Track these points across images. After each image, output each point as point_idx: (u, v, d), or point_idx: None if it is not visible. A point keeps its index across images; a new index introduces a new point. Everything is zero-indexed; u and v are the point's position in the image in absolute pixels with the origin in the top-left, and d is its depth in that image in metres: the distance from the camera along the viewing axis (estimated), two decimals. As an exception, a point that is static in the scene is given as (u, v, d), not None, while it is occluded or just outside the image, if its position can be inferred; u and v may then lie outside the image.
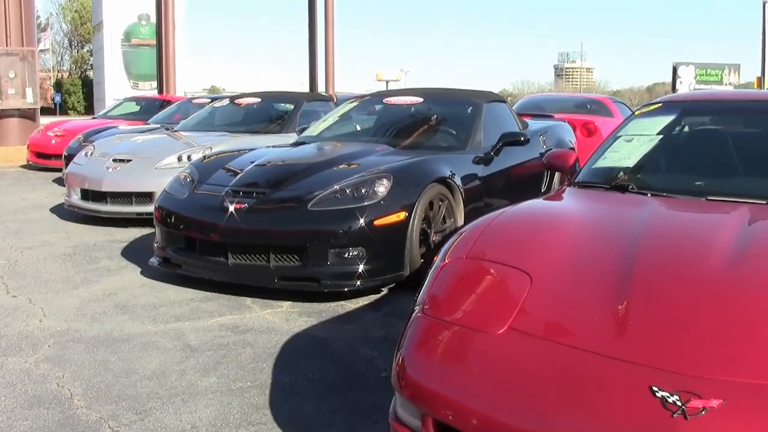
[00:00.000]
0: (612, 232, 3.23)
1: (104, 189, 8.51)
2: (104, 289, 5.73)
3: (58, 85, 47.90)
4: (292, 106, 10.39)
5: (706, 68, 51.81)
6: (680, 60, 51.49)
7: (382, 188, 5.48)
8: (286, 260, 5.38)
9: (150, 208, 7.88)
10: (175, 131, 10.32)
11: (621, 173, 4.07)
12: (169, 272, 5.92)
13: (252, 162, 6.32)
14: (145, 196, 8.32)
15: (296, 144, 7.37)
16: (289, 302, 5.35)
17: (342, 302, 5.36)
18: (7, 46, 18.97)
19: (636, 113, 4.73)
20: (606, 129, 10.72)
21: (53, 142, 14.67)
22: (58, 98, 42.95)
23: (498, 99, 7.91)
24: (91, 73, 49.33)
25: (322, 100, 11.38)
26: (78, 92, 46.66)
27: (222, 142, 8.93)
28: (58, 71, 60.39)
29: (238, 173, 6.11)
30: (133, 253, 7.01)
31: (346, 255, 5.30)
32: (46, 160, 14.61)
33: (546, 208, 3.85)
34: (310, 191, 5.57)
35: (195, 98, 14.69)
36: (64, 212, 9.16)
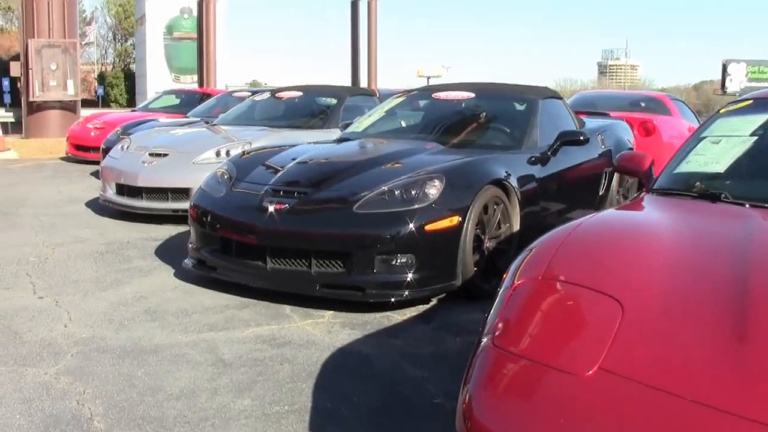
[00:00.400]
0: (712, 250, 2.77)
1: (139, 184, 8.19)
2: (135, 292, 5.38)
3: (101, 78, 47.98)
4: (334, 101, 10.00)
5: (758, 65, 49.70)
6: (730, 57, 49.86)
7: (434, 190, 5.06)
8: (328, 266, 4.99)
9: (186, 205, 7.51)
10: (214, 125, 9.97)
11: (709, 180, 3.60)
12: (204, 275, 5.55)
13: (293, 159, 5.94)
14: (182, 192, 7.97)
15: (340, 140, 6.98)
16: (332, 312, 4.96)
17: (388, 313, 4.96)
18: (49, 38, 18.86)
19: (721, 111, 4.23)
20: (665, 128, 10.22)
21: (92, 134, 14.43)
22: (100, 91, 43.00)
23: (554, 95, 7.45)
24: (133, 66, 49.39)
25: (365, 94, 10.97)
26: (120, 85, 46.70)
27: (262, 137, 8.57)
28: (102, 64, 60.64)
29: (279, 171, 5.72)
30: (167, 252, 6.66)
31: (394, 262, 4.90)
32: (85, 152, 14.37)
33: (629, 221, 3.40)
34: (355, 192, 5.17)
35: (235, 92, 14.35)
36: (99, 207, 8.87)
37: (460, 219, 5.05)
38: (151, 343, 4.31)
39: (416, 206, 4.96)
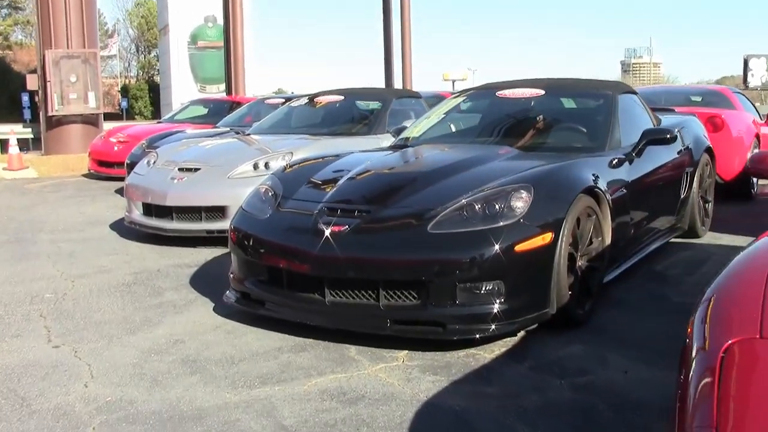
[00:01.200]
0: None
1: (169, 203, 7.41)
2: (169, 334, 4.61)
3: (125, 90, 47.60)
4: (379, 105, 9.20)
5: None
6: (751, 52, 50.01)
7: (521, 203, 4.25)
8: (400, 298, 4.19)
9: (223, 225, 6.80)
10: (247, 135, 9.20)
11: None
12: (249, 312, 4.77)
13: (347, 171, 5.16)
14: (217, 211, 7.21)
15: (396, 148, 6.18)
16: (405, 352, 4.17)
17: (472, 350, 4.17)
18: (68, 48, 18.21)
19: None
20: (733, 123, 9.34)
21: (116, 149, 13.74)
22: (124, 104, 42.53)
23: (629, 90, 6.61)
24: (157, 78, 48.96)
25: (412, 96, 10.12)
26: (144, 97, 46.31)
27: (303, 147, 7.78)
28: (126, 77, 60.42)
29: (332, 186, 4.94)
30: (204, 281, 5.89)
31: (479, 291, 4.10)
32: (108, 168, 13.67)
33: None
34: (427, 208, 4.37)
35: (267, 98, 13.60)
36: (125, 230, 8.10)
37: (553, 236, 4.24)
38: (193, 406, 3.51)
39: (502, 223, 4.15)
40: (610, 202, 4.92)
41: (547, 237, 4.21)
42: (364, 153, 5.98)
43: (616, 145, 5.61)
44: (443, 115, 6.60)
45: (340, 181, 4.98)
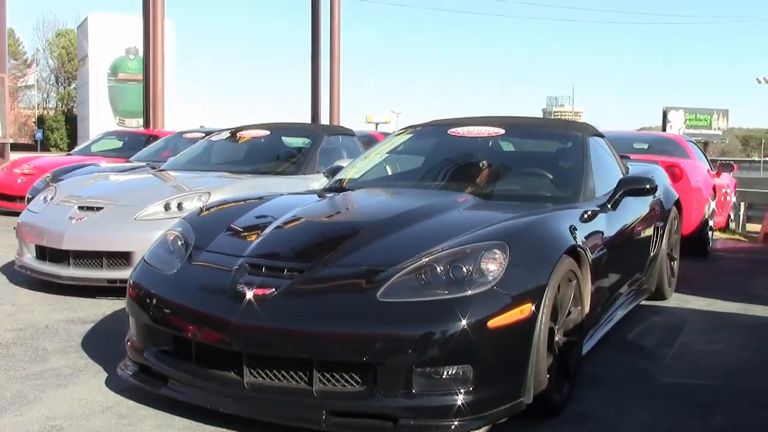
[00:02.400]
0: None
1: (65, 246, 6.39)
2: (44, 417, 3.62)
3: (41, 121, 45.88)
4: (309, 141, 8.31)
5: (695, 113, 53.77)
6: (670, 104, 52.32)
7: (494, 265, 3.41)
8: (339, 382, 3.30)
9: (127, 274, 5.74)
10: (162, 170, 8.22)
11: None
12: (149, 390, 3.82)
13: (272, 217, 4.28)
14: (121, 257, 6.22)
15: (330, 191, 5.30)
16: (345, 451, 3.27)
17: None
18: (-27, 73, 16.93)
19: None
20: (692, 173, 8.76)
21: (19, 181, 12.56)
22: (39, 134, 40.83)
23: (597, 133, 5.85)
24: (76, 110, 47.41)
25: (345, 134, 9.25)
26: (61, 128, 44.71)
27: (223, 186, 6.86)
28: (44, 108, 58.58)
29: (256, 235, 4.05)
30: (99, 343, 4.90)
31: (440, 377, 3.24)
32: (10, 202, 12.44)
33: None
34: (376, 268, 3.51)
35: (186, 132, 12.60)
36: (16, 274, 7.02)
37: (533, 308, 3.41)
38: None
39: (470, 292, 3.30)
40: (591, 262, 4.13)
41: (526, 309, 3.38)
42: (293, 196, 5.10)
43: (591, 196, 4.86)
44: (386, 155, 5.74)
45: (266, 230, 4.09)
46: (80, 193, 7.10)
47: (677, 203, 6.64)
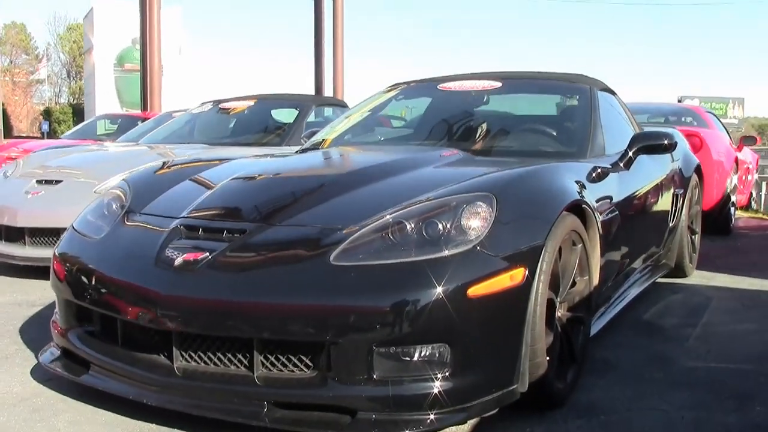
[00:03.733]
0: None
1: (20, 224, 5.78)
2: (-50, 409, 3.02)
3: (47, 113, 45.40)
4: (296, 112, 7.65)
5: (710, 101, 52.89)
6: (685, 93, 51.65)
7: (478, 221, 2.75)
8: (286, 367, 2.66)
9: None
10: (138, 144, 7.60)
11: None
12: (70, 379, 3.19)
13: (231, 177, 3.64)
14: (79, 234, 5.58)
15: (304, 151, 4.66)
16: (295, 452, 2.64)
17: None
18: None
19: None
20: (713, 144, 8.04)
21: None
22: (45, 126, 40.26)
23: (608, 88, 5.16)
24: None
25: (336, 105, 8.57)
26: (68, 120, 44.17)
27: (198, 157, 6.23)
28: (56, 103, 58.22)
29: (204, 195, 3.42)
30: (41, 328, 4.23)
31: (410, 359, 2.58)
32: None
33: None
34: (332, 226, 2.86)
35: (177, 112, 11.95)
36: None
37: (527, 273, 2.75)
38: None
39: (447, 252, 2.64)
40: (600, 225, 3.46)
41: (518, 275, 2.72)
42: (263, 157, 4.47)
43: (599, 152, 4.19)
44: (368, 113, 5.07)
45: (216, 188, 3.46)
46: (49, 163, 6.52)
47: (698, 170, 5.96)
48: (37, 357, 3.64)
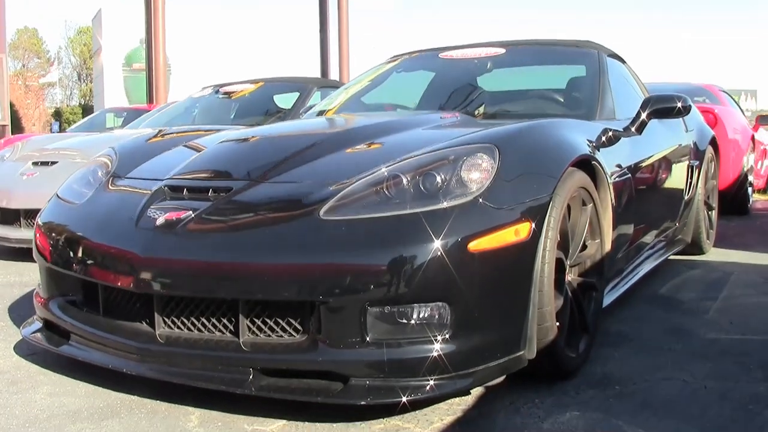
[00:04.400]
0: None
1: (14, 205, 5.63)
2: None
3: (57, 114, 45.44)
4: (296, 95, 7.45)
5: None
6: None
7: (479, 173, 2.54)
8: (274, 331, 2.47)
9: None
10: (139, 129, 7.43)
11: None
12: (50, 350, 3.01)
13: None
14: (74, 215, 5.41)
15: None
16: (282, 422, 2.45)
17: (393, 419, 2.46)
18: (-30, 52, 16.25)
19: None
20: (729, 122, 7.80)
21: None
22: (56, 127, 40.30)
23: (616, 55, 4.94)
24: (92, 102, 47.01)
25: (337, 87, 8.38)
26: (78, 120, 44.25)
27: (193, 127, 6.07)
28: (68, 106, 58.31)
29: (192, 156, 3.24)
30: (31, 307, 4.08)
31: (406, 320, 2.38)
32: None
33: None
34: (322, 181, 2.66)
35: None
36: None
37: (532, 228, 2.54)
38: None
39: (445, 203, 2.44)
40: (611, 186, 3.26)
41: (523, 229, 2.52)
42: (264, 125, 4.30)
43: (609, 116, 3.98)
44: (368, 83, 4.86)
45: (204, 150, 3.28)
46: (47, 146, 6.39)
47: (713, 143, 5.73)
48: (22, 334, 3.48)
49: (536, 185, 2.64)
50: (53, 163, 5.86)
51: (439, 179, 2.50)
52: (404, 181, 2.53)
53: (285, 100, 7.73)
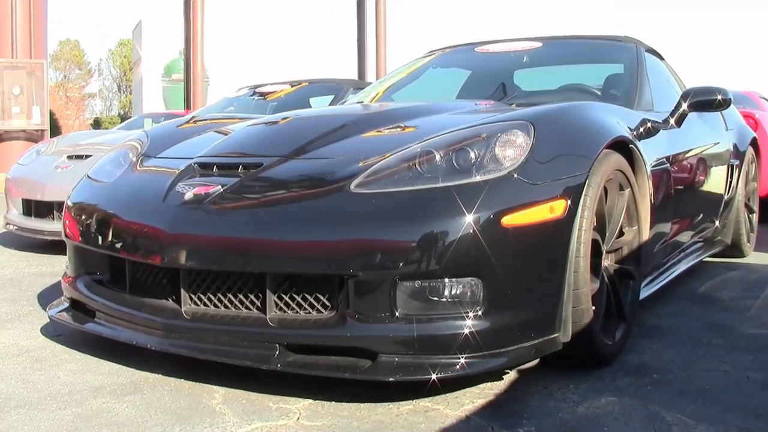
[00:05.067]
0: None
1: (48, 198, 5.63)
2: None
3: (97, 123, 46.01)
4: (332, 96, 7.42)
5: None
6: None
7: (513, 150, 2.47)
8: (301, 307, 2.41)
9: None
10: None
11: None
12: (76, 328, 2.98)
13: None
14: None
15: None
16: (307, 401, 2.39)
17: (422, 401, 2.39)
18: (12, 57, 16.42)
19: None
20: (766, 123, 7.62)
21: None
22: (95, 136, 40.91)
23: (655, 51, 4.85)
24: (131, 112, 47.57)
25: (375, 87, 8.35)
26: (117, 131, 44.75)
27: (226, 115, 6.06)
28: (107, 116, 58.99)
29: (223, 138, 3.21)
30: (60, 293, 4.09)
31: (437, 297, 2.31)
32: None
33: None
34: (354, 158, 2.61)
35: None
36: (10, 236, 6.29)
37: (568, 205, 2.47)
38: None
39: (478, 177, 2.38)
40: (650, 173, 3.17)
41: (558, 207, 2.44)
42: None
43: (647, 107, 3.89)
44: (404, 77, 4.81)
45: (235, 132, 3.24)
46: (82, 141, 6.41)
47: (754, 144, 5.60)
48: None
49: (572, 163, 2.57)
50: (87, 156, 5.86)
51: (472, 155, 2.44)
52: (437, 156, 2.46)
53: (321, 103, 7.70)
